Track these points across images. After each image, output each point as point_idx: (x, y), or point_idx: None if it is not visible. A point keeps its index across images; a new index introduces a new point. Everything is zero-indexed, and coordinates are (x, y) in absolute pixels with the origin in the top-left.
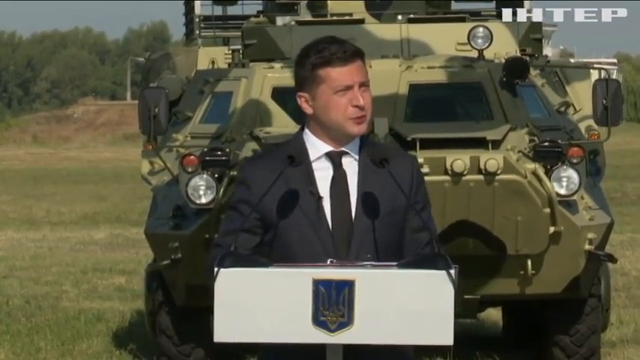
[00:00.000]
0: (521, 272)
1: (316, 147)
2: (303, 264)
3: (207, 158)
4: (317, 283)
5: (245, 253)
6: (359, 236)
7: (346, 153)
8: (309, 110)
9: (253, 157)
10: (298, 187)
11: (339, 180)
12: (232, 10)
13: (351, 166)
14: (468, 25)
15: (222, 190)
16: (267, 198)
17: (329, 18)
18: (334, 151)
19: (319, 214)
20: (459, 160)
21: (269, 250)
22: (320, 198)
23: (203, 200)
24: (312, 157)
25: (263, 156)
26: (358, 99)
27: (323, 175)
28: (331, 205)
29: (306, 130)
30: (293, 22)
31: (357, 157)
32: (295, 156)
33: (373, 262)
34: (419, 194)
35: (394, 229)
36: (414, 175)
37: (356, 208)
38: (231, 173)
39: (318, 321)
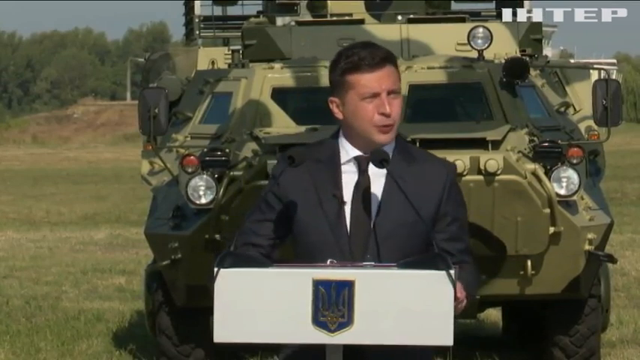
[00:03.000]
0: (521, 272)
1: (347, 150)
2: (302, 264)
3: (207, 158)
4: (317, 284)
5: (266, 243)
6: (377, 243)
7: None
8: (339, 115)
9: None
10: (323, 188)
11: (362, 186)
12: (232, 10)
13: (378, 172)
14: (468, 26)
15: (222, 190)
16: (291, 193)
17: (329, 18)
18: (362, 156)
19: (340, 219)
20: (458, 160)
21: (294, 244)
22: (343, 202)
23: (203, 200)
24: (342, 159)
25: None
26: (385, 106)
27: (349, 178)
28: (351, 210)
29: (340, 134)
30: (293, 23)
31: None
32: (296, 157)
33: (373, 263)
34: (449, 205)
35: (417, 239)
36: (446, 185)
37: (376, 216)
38: (231, 174)
39: (317, 321)
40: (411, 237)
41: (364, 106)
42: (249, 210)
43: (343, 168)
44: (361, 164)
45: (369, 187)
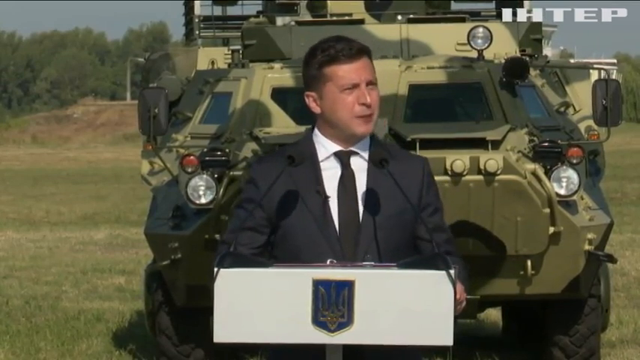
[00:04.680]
0: (521, 272)
1: (325, 147)
2: (302, 264)
3: (207, 158)
4: (317, 284)
5: (247, 252)
6: (366, 237)
7: (355, 153)
8: (317, 109)
9: (262, 157)
10: (305, 186)
11: (346, 180)
12: (232, 10)
13: (359, 166)
14: (468, 26)
15: (221, 190)
16: (273, 197)
17: (329, 18)
18: (343, 151)
19: (326, 214)
20: (458, 160)
21: (274, 250)
22: (327, 198)
23: (203, 200)
24: (320, 156)
25: (272, 155)
26: (365, 97)
27: (331, 174)
28: (338, 204)
29: (316, 131)
30: (293, 23)
31: (366, 157)
32: (295, 156)
33: (373, 263)
34: (430, 196)
35: (403, 232)
36: (424, 178)
37: (363, 209)
38: (231, 173)
39: (317, 321)
40: (398, 229)
41: (344, 98)
42: None
43: (322, 165)
44: (342, 159)
45: (354, 181)
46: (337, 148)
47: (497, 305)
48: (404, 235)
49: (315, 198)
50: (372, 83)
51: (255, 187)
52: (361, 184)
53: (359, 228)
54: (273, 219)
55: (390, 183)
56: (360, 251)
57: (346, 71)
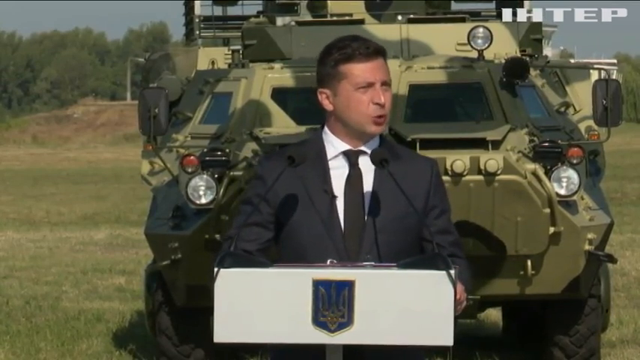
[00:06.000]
0: (521, 272)
1: (334, 145)
2: (302, 264)
3: (207, 158)
4: (317, 284)
5: (255, 248)
6: (370, 237)
7: (364, 152)
8: (329, 107)
9: (271, 154)
10: (313, 185)
11: (354, 179)
12: (232, 10)
13: (368, 166)
14: (468, 26)
15: (222, 190)
16: (281, 193)
17: (329, 18)
18: (351, 150)
19: (332, 214)
20: (458, 160)
21: (280, 248)
22: (334, 197)
23: (203, 200)
24: (329, 155)
25: (279, 152)
26: (379, 97)
27: (339, 173)
28: (345, 204)
29: (326, 129)
30: (293, 23)
31: None
32: (296, 157)
33: (373, 263)
34: (436, 198)
35: (405, 236)
36: (432, 179)
37: (369, 209)
38: (231, 173)
39: (317, 321)
40: (400, 233)
41: (358, 97)
42: None
43: (331, 164)
44: (351, 158)
45: (361, 181)
46: (346, 147)
47: (497, 305)
48: (406, 239)
49: (323, 197)
50: (386, 84)
51: (262, 182)
52: (368, 185)
53: (364, 228)
54: (279, 215)
55: (394, 184)
56: (363, 252)
57: (362, 70)
